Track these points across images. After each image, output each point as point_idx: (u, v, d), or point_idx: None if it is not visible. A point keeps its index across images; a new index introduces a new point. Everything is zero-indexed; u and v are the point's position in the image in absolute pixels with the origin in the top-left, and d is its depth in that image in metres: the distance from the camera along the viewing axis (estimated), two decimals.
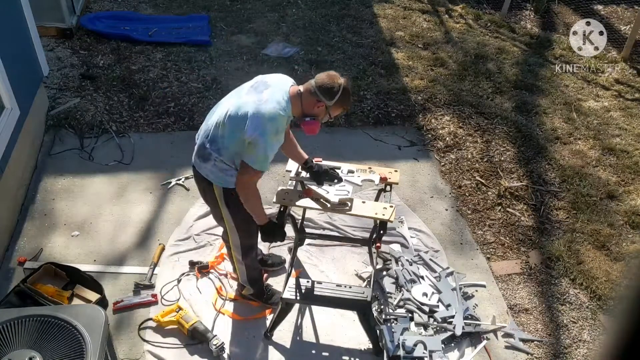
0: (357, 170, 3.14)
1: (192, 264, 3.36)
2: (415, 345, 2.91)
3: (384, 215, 2.85)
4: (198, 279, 3.31)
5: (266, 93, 2.46)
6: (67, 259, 3.34)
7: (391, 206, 2.91)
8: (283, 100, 2.46)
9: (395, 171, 3.17)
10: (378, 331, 2.99)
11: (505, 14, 6.59)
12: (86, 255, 3.39)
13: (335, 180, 2.99)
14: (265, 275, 3.34)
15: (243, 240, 2.84)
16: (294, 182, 3.06)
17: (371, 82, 5.14)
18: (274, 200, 2.97)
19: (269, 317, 3.10)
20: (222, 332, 3.02)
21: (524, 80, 5.39)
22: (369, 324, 2.91)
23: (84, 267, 3.25)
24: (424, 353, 2.89)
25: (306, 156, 2.98)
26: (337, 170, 3.09)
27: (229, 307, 3.18)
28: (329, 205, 2.89)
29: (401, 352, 2.88)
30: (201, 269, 3.33)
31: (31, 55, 4.09)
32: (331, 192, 2.90)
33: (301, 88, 2.54)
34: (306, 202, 2.92)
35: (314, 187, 2.94)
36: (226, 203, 2.66)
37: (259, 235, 2.80)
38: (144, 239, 3.54)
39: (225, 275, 3.34)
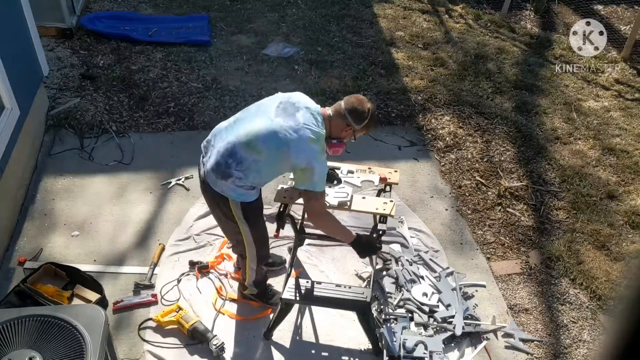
0: (356, 170, 3.14)
1: (192, 264, 3.36)
2: (415, 345, 2.91)
3: (384, 210, 2.86)
4: (198, 279, 3.31)
5: (300, 116, 2.46)
6: (67, 259, 3.34)
7: (391, 201, 2.92)
8: (318, 121, 2.49)
9: (395, 171, 3.17)
10: (378, 333, 2.99)
11: (505, 14, 6.59)
12: (86, 255, 3.39)
13: (335, 182, 2.99)
14: None
15: (260, 252, 2.83)
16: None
17: (371, 82, 5.14)
18: (274, 198, 2.97)
19: (269, 317, 3.10)
20: (222, 332, 3.01)
21: (524, 80, 5.39)
22: (369, 325, 2.91)
23: (84, 267, 3.25)
24: (424, 353, 2.89)
25: None
26: (336, 171, 3.09)
27: (229, 307, 3.18)
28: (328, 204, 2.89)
29: (401, 352, 2.88)
30: (201, 269, 3.33)
31: (31, 55, 4.09)
32: (330, 195, 2.90)
33: (330, 111, 2.56)
34: None
35: None
36: (245, 217, 2.61)
37: (356, 252, 2.80)
38: (144, 239, 3.54)
39: (225, 275, 3.34)
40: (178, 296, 3.20)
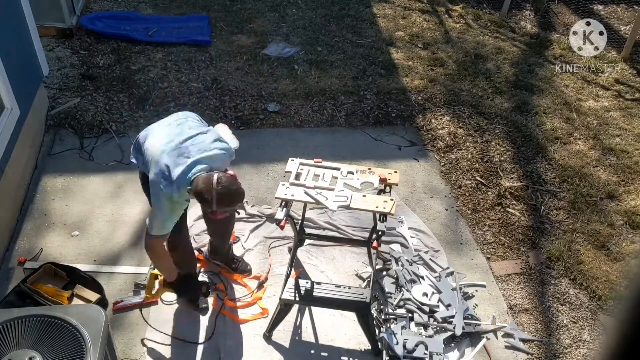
0: (356, 171, 3.13)
1: None
2: (416, 346, 2.91)
3: (384, 208, 2.86)
4: None
5: (177, 170, 2.43)
6: (67, 259, 3.34)
7: (392, 199, 2.92)
8: (185, 188, 2.45)
9: (395, 172, 3.16)
10: (379, 336, 2.99)
11: (505, 14, 6.59)
12: (86, 255, 3.39)
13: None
14: (263, 276, 3.34)
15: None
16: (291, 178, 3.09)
17: (371, 82, 5.14)
18: (276, 195, 2.96)
19: (269, 318, 3.10)
20: (222, 332, 3.02)
21: (523, 80, 5.38)
22: (368, 325, 2.91)
23: (83, 267, 3.26)
24: (425, 354, 2.89)
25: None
26: (336, 172, 3.09)
27: (229, 307, 3.17)
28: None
29: (401, 352, 2.88)
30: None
31: (31, 55, 4.09)
32: (330, 199, 2.89)
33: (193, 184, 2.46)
34: (306, 197, 2.91)
35: (313, 192, 2.93)
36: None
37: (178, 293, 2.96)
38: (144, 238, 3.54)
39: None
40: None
